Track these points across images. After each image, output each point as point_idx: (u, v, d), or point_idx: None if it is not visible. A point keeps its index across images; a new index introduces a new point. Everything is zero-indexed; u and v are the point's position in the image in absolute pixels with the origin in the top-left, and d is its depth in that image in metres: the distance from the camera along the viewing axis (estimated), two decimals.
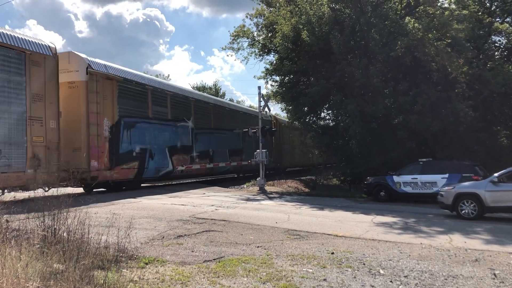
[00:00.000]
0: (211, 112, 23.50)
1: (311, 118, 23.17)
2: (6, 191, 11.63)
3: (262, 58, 25.62)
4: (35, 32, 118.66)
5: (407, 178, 16.23)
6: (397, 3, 20.16)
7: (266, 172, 28.45)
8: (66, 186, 11.49)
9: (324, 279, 5.76)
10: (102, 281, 4.65)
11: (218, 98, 29.08)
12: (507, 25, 20.93)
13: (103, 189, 16.35)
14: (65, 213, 6.03)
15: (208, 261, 6.54)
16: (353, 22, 19.13)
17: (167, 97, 19.17)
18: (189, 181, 24.16)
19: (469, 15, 18.85)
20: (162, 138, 18.52)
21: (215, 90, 57.09)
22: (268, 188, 20.95)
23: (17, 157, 11.79)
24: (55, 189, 7.21)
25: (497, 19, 21.36)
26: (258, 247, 7.64)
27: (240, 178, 27.31)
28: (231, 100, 55.43)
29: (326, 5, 19.51)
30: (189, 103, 21.13)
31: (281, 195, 18.38)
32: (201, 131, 21.89)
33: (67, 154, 13.57)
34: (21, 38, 12.32)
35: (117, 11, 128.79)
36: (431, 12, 18.94)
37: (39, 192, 7.89)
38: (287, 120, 29.66)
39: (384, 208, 14.34)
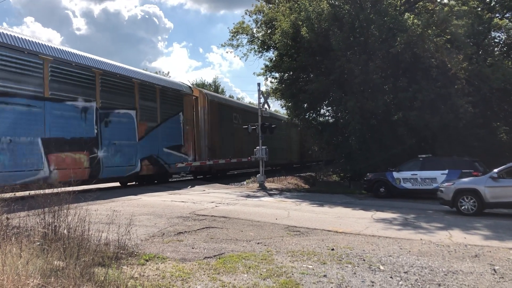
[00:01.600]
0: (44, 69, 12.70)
1: (311, 114, 23.20)
2: None
3: (261, 55, 25.74)
4: (33, 30, 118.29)
5: (407, 174, 16.25)
6: None
7: (198, 177, 22.16)
8: None
9: (324, 275, 5.77)
10: (102, 278, 4.66)
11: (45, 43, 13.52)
12: (507, 21, 20.92)
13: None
14: (65, 210, 6.04)
15: (208, 257, 6.56)
16: (353, 19, 19.09)
17: None
18: (189, 178, 24.10)
19: (468, 11, 18.81)
20: None
21: (215, 87, 56.91)
22: (268, 185, 20.96)
23: None
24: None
25: (497, 15, 21.33)
26: (258, 243, 7.66)
27: (240, 175, 25.71)
28: (230, 96, 54.88)
29: (325, 1, 19.48)
30: None
31: (281, 192, 18.39)
32: None
33: None
34: None
35: (114, 8, 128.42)
36: (430, 8, 18.93)
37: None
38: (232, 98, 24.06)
39: (384, 204, 14.37)
